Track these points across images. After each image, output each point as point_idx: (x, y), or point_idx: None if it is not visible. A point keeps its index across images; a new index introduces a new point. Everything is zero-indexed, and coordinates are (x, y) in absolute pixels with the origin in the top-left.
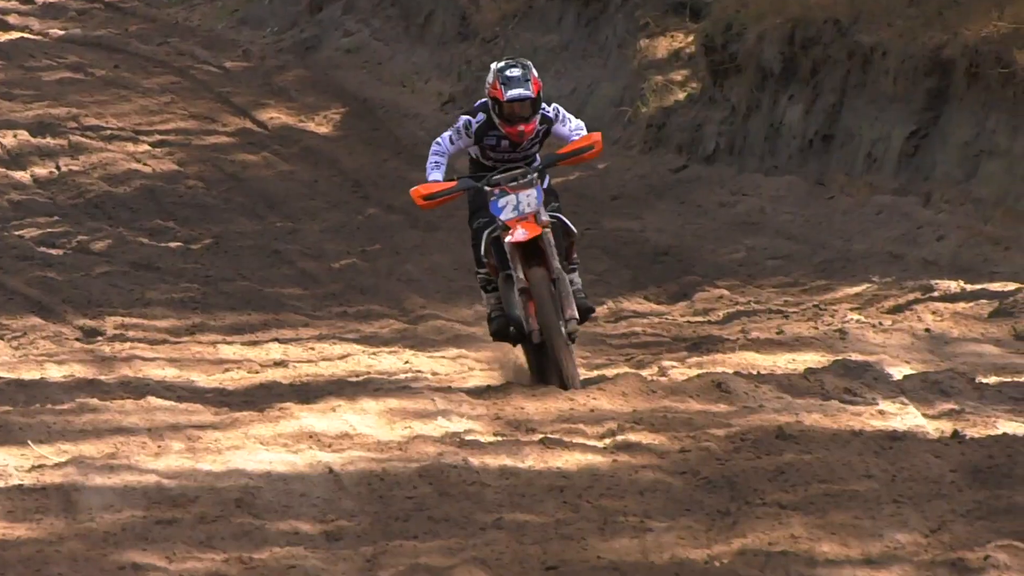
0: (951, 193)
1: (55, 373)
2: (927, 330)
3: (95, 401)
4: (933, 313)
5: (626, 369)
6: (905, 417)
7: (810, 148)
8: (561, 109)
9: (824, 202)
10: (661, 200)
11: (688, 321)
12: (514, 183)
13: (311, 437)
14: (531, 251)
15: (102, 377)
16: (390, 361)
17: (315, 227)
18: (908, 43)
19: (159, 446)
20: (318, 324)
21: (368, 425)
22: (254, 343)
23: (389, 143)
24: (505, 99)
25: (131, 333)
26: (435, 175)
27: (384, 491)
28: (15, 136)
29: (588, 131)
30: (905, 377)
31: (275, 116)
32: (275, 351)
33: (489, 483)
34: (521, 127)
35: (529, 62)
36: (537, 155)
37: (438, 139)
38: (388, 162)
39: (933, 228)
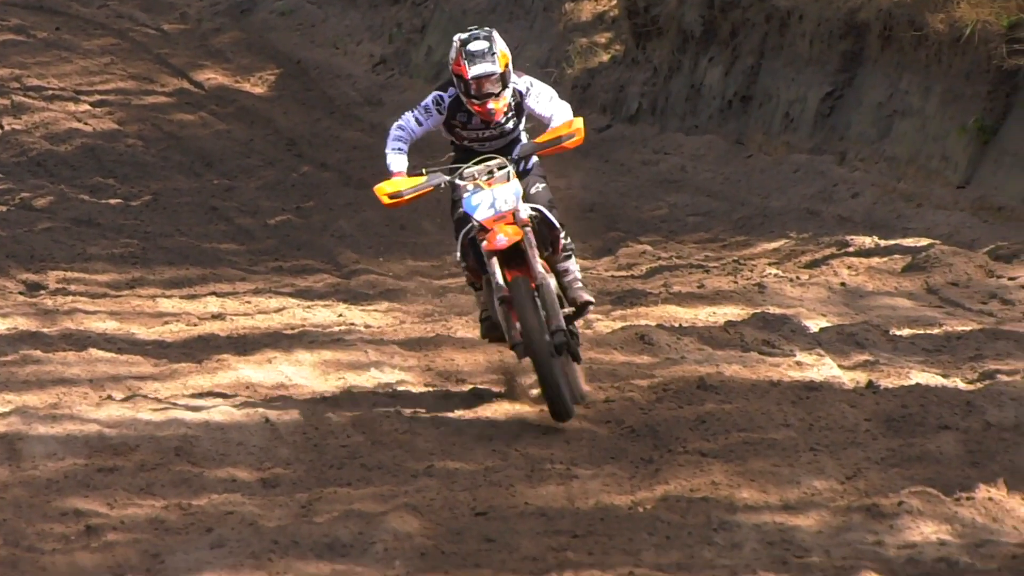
0: (865, 152)
1: None
2: (842, 284)
3: (38, 353)
4: (848, 268)
5: None
6: (821, 368)
7: (729, 108)
8: (534, 82)
9: (743, 160)
10: (586, 159)
11: (612, 276)
12: (489, 176)
13: (248, 387)
14: (512, 253)
15: (45, 330)
16: (324, 314)
17: (251, 185)
18: (824, 7)
19: (100, 397)
20: (254, 278)
21: (303, 376)
22: (192, 297)
23: (322, 103)
24: (470, 76)
25: (73, 287)
26: (397, 165)
27: (319, 440)
28: None
29: (563, 107)
30: (821, 330)
31: (211, 77)
32: (213, 305)
33: (420, 432)
34: (490, 104)
35: (494, 32)
36: (515, 131)
37: (400, 121)
38: (321, 121)
39: (848, 186)
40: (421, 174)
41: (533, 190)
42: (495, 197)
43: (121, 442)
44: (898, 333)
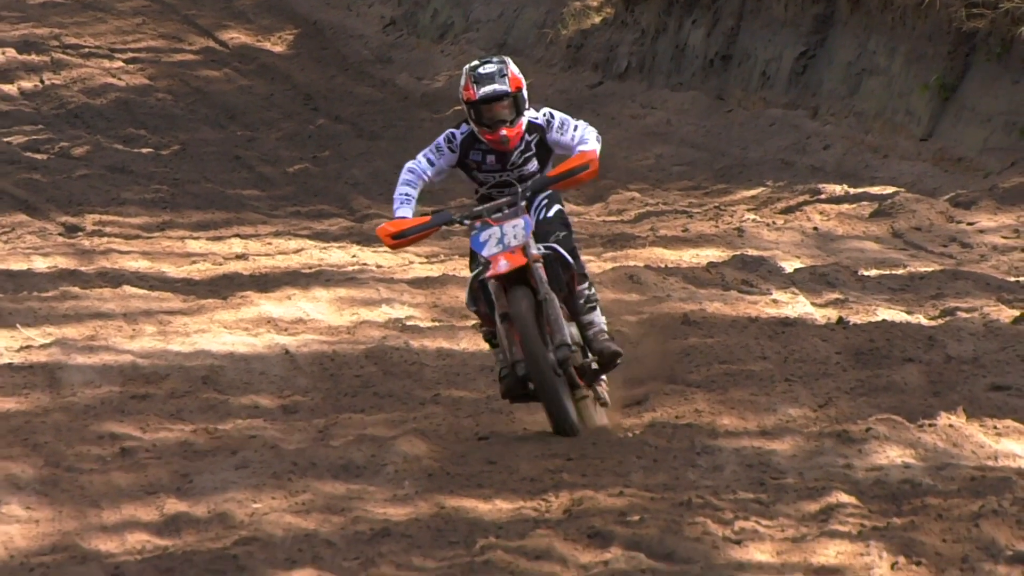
0: (836, 107)
1: (40, 264)
2: (815, 229)
3: (76, 289)
4: (820, 214)
5: None
6: (796, 305)
7: (711, 67)
8: (557, 114)
9: (723, 115)
10: (579, 113)
11: (604, 220)
12: (499, 214)
13: (269, 322)
14: (517, 282)
15: (82, 268)
16: (339, 255)
17: (271, 136)
18: None
19: (134, 330)
20: (275, 222)
21: (320, 312)
22: (218, 238)
23: (337, 61)
24: (478, 97)
25: (108, 229)
26: (403, 211)
27: (335, 370)
28: (3, 53)
29: (588, 132)
30: (795, 270)
31: (235, 36)
32: (236, 246)
33: (428, 363)
34: (503, 131)
35: (508, 58)
36: (536, 172)
37: (411, 163)
38: (336, 78)
39: (820, 138)
40: (426, 215)
41: (551, 212)
42: (504, 233)
43: (153, 371)
44: (866, 273)
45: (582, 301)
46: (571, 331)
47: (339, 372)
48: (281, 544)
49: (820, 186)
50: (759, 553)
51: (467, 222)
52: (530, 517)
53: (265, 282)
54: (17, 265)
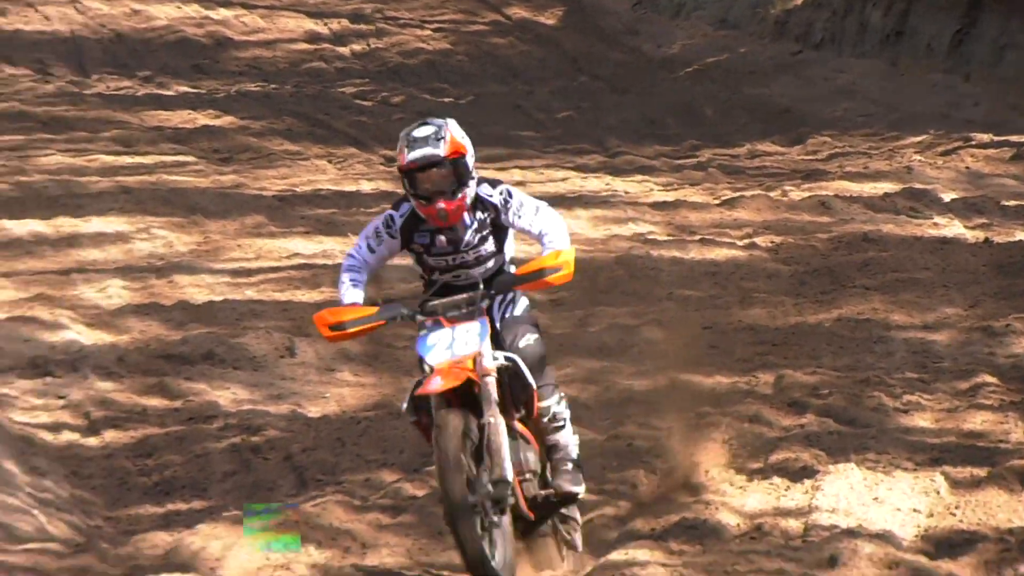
0: (984, 73)
1: (366, 187)
2: (967, 168)
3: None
4: (971, 156)
5: (759, 191)
6: (952, 228)
7: (887, 40)
8: (515, 192)
9: (896, 78)
10: (784, 74)
11: (802, 159)
12: (455, 312)
13: None
14: (464, 395)
15: (398, 190)
16: (595, 183)
17: (544, 89)
18: None
19: None
20: (546, 157)
21: (580, 227)
22: (502, 169)
23: (595, 32)
24: (406, 162)
25: None
26: (349, 296)
27: (592, 273)
28: (339, 23)
29: (555, 223)
30: (952, 200)
31: (517, 11)
32: (517, 175)
33: (663, 268)
34: (440, 203)
35: (451, 121)
36: (496, 258)
37: (351, 250)
38: (594, 45)
39: (971, 97)
40: (377, 304)
41: (522, 343)
42: (454, 338)
43: None
44: (1007, 204)
45: (547, 419)
46: (530, 456)
47: (595, 274)
48: None
49: (971, 135)
50: (921, 420)
51: (419, 318)
52: (743, 389)
53: None
54: (348, 187)
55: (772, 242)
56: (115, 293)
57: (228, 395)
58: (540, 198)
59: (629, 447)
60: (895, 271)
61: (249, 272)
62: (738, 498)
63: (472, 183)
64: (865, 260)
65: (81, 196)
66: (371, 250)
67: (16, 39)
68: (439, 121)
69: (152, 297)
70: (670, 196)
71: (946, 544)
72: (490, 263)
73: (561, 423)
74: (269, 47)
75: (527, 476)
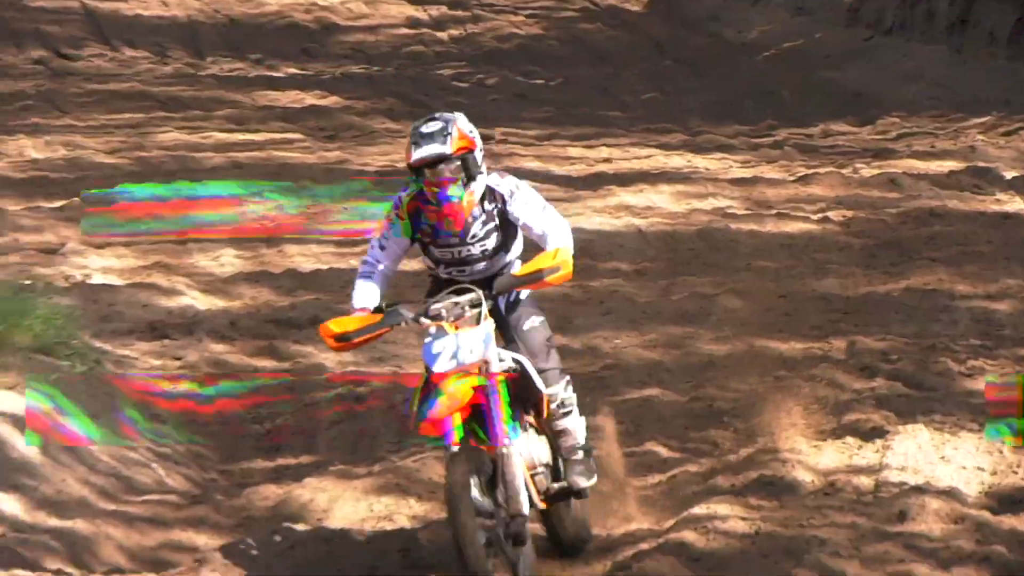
0: None
1: None
2: None
3: None
4: None
5: (831, 169)
6: (1013, 204)
7: (952, 28)
8: (520, 185)
9: (960, 64)
10: (857, 59)
11: (873, 138)
12: (459, 315)
13: (627, 208)
14: (475, 415)
15: (492, 166)
16: (677, 160)
17: (630, 72)
18: None
19: None
20: (631, 135)
21: (663, 201)
22: (590, 147)
23: (679, 18)
24: (412, 160)
25: (511, 139)
26: (360, 300)
27: (674, 244)
28: (437, 9)
29: (558, 222)
30: (1013, 177)
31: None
32: (604, 152)
33: (741, 241)
34: (448, 190)
35: (459, 115)
36: (503, 252)
37: (364, 257)
38: (678, 31)
39: None
40: (381, 310)
41: (526, 325)
42: (459, 346)
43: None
44: None
45: (554, 405)
46: (540, 449)
47: (677, 246)
48: (635, 369)
49: None
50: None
51: (423, 321)
52: (817, 355)
53: (624, 179)
54: None
55: (844, 216)
56: (228, 261)
57: (333, 357)
58: (625, 175)
59: (710, 408)
60: (959, 244)
61: (353, 243)
62: (813, 456)
63: (481, 177)
64: (931, 234)
65: (196, 171)
66: (382, 247)
67: (136, 23)
68: (448, 116)
69: (262, 265)
70: (748, 173)
71: (1008, 500)
72: (495, 259)
73: (568, 409)
74: (372, 32)
75: (539, 470)
